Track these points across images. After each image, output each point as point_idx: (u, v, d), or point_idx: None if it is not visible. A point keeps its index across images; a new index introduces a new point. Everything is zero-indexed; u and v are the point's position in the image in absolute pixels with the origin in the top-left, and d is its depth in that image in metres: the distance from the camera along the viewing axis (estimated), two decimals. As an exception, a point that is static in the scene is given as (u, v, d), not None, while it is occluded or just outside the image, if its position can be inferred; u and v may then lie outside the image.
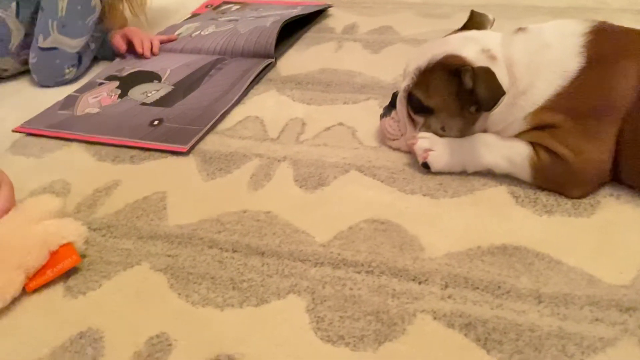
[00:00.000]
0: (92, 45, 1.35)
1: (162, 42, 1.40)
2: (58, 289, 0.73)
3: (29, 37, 1.27)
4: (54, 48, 1.26)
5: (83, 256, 0.76)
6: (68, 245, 0.74)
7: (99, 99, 1.20)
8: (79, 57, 1.30)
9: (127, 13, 1.44)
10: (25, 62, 1.31)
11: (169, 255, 0.77)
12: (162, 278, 0.73)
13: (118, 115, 1.13)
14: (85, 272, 0.75)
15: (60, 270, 0.73)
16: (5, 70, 1.31)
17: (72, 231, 0.76)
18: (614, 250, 0.72)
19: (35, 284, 0.72)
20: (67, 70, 1.29)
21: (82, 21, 1.26)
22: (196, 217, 0.84)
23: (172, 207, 0.87)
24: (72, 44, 1.27)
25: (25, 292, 0.72)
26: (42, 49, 1.26)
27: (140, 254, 0.78)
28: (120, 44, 1.37)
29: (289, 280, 0.72)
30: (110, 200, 0.89)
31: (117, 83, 1.25)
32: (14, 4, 1.23)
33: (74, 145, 1.05)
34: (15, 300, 0.71)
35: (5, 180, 0.79)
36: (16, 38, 1.26)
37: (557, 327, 0.63)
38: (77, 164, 1.00)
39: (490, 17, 0.96)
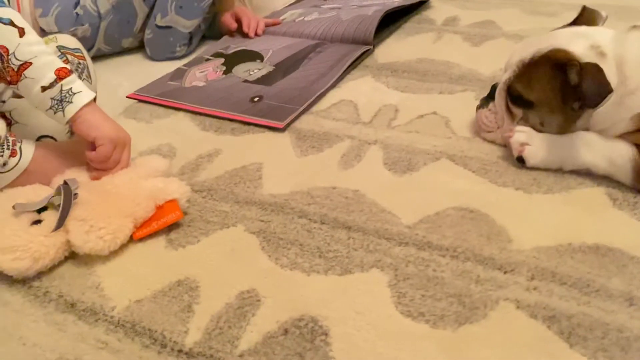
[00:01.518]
0: (202, 26, 1.43)
1: (267, 25, 1.46)
2: (161, 240, 0.79)
3: (148, 18, 1.37)
4: (169, 27, 1.34)
5: (185, 213, 0.82)
6: (173, 201, 0.81)
7: (206, 73, 1.27)
8: (191, 36, 1.38)
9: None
10: (141, 40, 1.41)
11: (262, 220, 0.82)
12: (255, 240, 0.78)
13: (222, 89, 1.19)
14: (186, 227, 0.81)
15: (165, 223, 0.79)
16: (124, 47, 1.42)
17: (177, 189, 0.82)
18: None
19: (141, 233, 0.79)
20: (178, 48, 1.38)
21: (198, 3, 1.34)
22: (288, 188, 0.88)
23: (267, 177, 0.92)
24: (187, 24, 1.35)
25: (132, 239, 0.79)
26: (159, 27, 1.35)
27: (236, 217, 0.83)
28: (230, 22, 1.44)
29: (373, 255, 0.74)
30: (212, 166, 0.95)
31: (222, 60, 1.33)
32: None
33: (181, 114, 1.13)
34: (123, 246, 0.77)
35: (129, 143, 0.88)
36: (140, 20, 1.36)
37: (647, 331, 0.61)
38: (182, 131, 1.07)
39: (603, 14, 0.93)
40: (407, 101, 1.11)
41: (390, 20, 1.43)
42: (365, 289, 0.69)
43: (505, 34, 1.34)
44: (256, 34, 1.43)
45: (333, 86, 1.18)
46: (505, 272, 0.70)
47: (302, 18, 1.49)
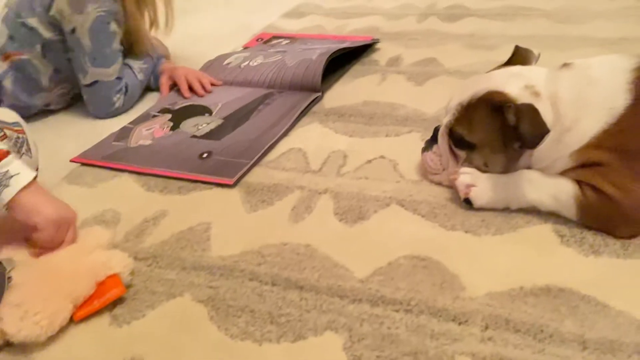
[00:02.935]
0: (141, 76, 1.41)
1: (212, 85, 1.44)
2: (104, 318, 0.76)
3: (59, 72, 1.34)
4: (96, 82, 1.32)
5: (128, 286, 0.79)
6: (114, 276, 0.78)
7: (152, 130, 1.25)
8: (125, 85, 1.36)
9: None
10: (65, 95, 1.39)
11: (210, 287, 0.79)
12: (203, 310, 0.75)
13: (169, 147, 1.17)
14: (130, 301, 0.78)
15: (106, 300, 0.76)
16: (48, 104, 1.39)
17: (119, 262, 0.79)
18: (666, 295, 0.69)
19: (82, 313, 0.75)
20: (115, 99, 1.35)
21: (109, 48, 1.32)
22: (238, 248, 0.86)
23: (216, 238, 0.89)
24: (109, 72, 1.33)
25: (72, 321, 0.75)
26: (86, 86, 1.33)
27: (183, 285, 0.80)
28: (164, 87, 1.43)
29: (327, 316, 0.72)
30: (157, 230, 0.92)
31: (169, 116, 1.31)
32: (38, 46, 1.29)
33: (125, 175, 1.10)
34: (63, 329, 0.74)
35: (74, 221, 0.84)
36: (45, 75, 1.33)
37: (602, 376, 0.60)
38: (127, 194, 1.04)
39: (535, 52, 0.95)
40: (355, 146, 1.11)
41: (337, 64, 1.43)
42: (319, 355, 0.67)
43: (446, 71, 1.36)
44: (206, 91, 1.41)
45: (283, 136, 1.17)
46: (459, 324, 0.69)
47: (247, 62, 1.48)
